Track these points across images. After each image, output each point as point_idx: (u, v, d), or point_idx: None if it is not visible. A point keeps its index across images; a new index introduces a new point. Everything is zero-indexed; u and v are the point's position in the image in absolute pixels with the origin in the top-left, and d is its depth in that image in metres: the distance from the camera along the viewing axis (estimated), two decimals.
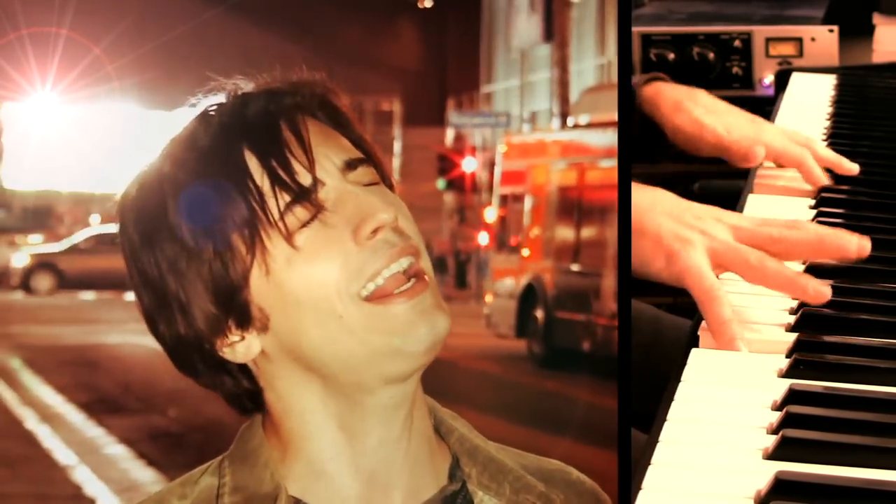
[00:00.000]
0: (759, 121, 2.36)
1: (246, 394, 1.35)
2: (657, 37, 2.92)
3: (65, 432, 11.79)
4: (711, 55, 2.94)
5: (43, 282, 28.98)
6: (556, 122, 24.32)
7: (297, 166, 1.30)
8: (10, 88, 33.27)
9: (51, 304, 26.94)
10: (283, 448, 1.34)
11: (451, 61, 37.74)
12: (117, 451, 10.96)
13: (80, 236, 30.51)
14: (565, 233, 16.88)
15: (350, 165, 1.32)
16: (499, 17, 35.56)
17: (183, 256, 1.30)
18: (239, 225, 1.29)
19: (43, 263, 29.38)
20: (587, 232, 16.28)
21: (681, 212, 1.74)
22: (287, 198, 1.29)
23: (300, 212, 1.29)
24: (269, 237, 1.28)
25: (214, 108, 1.34)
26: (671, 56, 2.92)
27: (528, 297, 17.19)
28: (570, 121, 21.62)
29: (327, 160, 1.31)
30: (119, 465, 10.45)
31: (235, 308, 1.30)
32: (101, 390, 14.25)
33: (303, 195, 1.29)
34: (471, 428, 1.42)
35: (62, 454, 10.82)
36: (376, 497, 1.33)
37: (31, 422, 12.31)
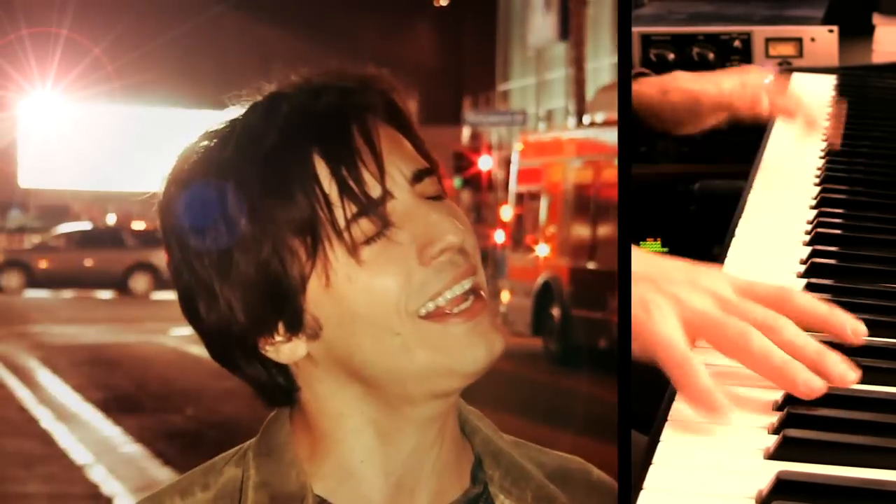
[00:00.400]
0: (744, 68, 2.36)
1: (279, 389, 1.33)
2: (657, 37, 2.91)
3: (81, 431, 11.80)
4: (711, 55, 2.92)
5: (12, 280, 28.88)
6: (571, 121, 24.31)
7: (367, 177, 1.26)
8: (10, 89, 33.31)
9: (66, 302, 27.01)
10: (313, 446, 1.33)
11: (468, 60, 37.73)
12: (134, 450, 10.96)
13: (49, 234, 30.55)
14: (581, 231, 16.86)
15: (417, 177, 1.30)
16: (515, 15, 35.53)
17: (238, 250, 1.27)
18: (302, 230, 1.25)
19: (12, 261, 29.26)
20: (603, 230, 16.26)
21: (655, 276, 1.51)
22: (354, 209, 1.25)
23: (366, 224, 1.26)
24: (333, 248, 1.25)
25: (283, 98, 1.30)
26: (671, 56, 2.90)
27: (545, 295, 17.17)
28: (585, 119, 21.59)
29: (397, 171, 1.28)
30: (136, 464, 10.45)
31: (288, 312, 1.28)
32: (117, 389, 14.27)
33: (371, 208, 1.26)
34: (495, 429, 1.41)
35: (78, 453, 10.82)
36: (402, 500, 1.32)
37: (48, 421, 12.33)
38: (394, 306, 1.25)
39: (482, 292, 1.29)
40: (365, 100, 1.30)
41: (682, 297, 1.47)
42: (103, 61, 31.90)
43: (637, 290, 1.47)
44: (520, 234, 18.74)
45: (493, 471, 1.37)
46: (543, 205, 17.94)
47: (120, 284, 29.05)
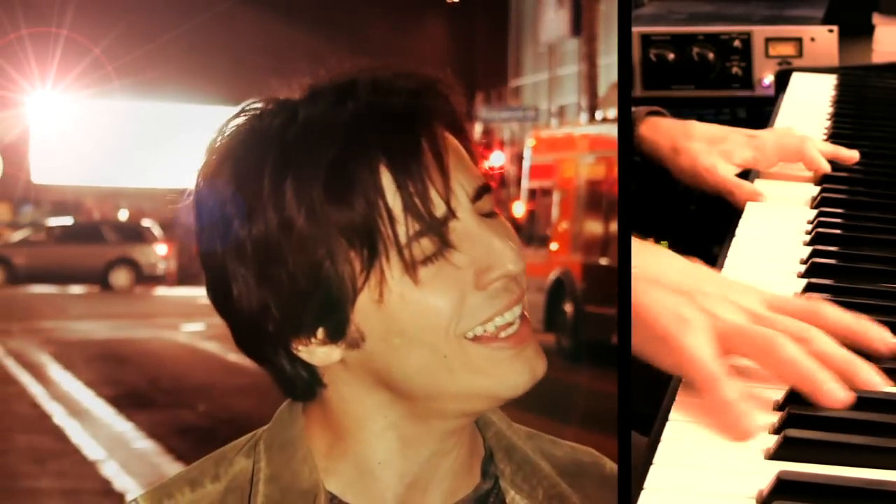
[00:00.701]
0: (756, 135, 2.34)
1: (303, 383, 1.29)
2: (657, 37, 2.90)
3: (94, 427, 11.81)
4: (711, 55, 2.91)
5: None
6: (584, 117, 24.29)
7: (433, 195, 1.22)
8: (21, 85, 33.30)
9: (78, 298, 27.03)
10: (331, 442, 1.31)
11: (479, 56, 37.66)
12: (146, 445, 10.98)
13: (28, 231, 30.52)
14: (594, 226, 16.85)
15: (478, 195, 1.26)
16: (527, 11, 35.46)
17: (289, 247, 1.21)
18: (360, 240, 1.21)
19: None
20: (615, 226, 16.24)
21: (689, 288, 1.50)
22: (417, 227, 1.21)
23: (426, 244, 1.22)
24: (390, 264, 1.21)
25: (350, 92, 1.24)
26: (671, 56, 2.89)
27: (557, 291, 17.15)
28: (598, 115, 21.61)
29: (461, 189, 1.24)
30: (148, 459, 10.45)
31: (332, 321, 1.24)
32: (129, 385, 14.28)
33: (434, 228, 1.22)
34: (509, 422, 1.40)
35: (91, 449, 10.83)
36: (414, 497, 1.32)
37: (60, 417, 12.35)
38: (444, 328, 1.23)
39: (526, 314, 1.28)
40: (433, 105, 1.26)
41: (716, 312, 1.46)
42: (113, 57, 31.92)
43: (670, 302, 1.47)
44: (532, 230, 18.71)
45: (504, 465, 1.37)
46: (556, 201, 17.92)
47: (101, 279, 29.03)
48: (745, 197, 2.21)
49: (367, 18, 36.64)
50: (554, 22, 32.14)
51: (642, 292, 1.48)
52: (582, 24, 26.65)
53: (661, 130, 2.33)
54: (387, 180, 1.21)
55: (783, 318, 1.46)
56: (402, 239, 1.21)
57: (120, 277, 29.01)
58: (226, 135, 1.27)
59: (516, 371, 1.25)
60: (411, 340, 1.23)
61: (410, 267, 1.21)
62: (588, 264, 16.68)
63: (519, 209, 20.72)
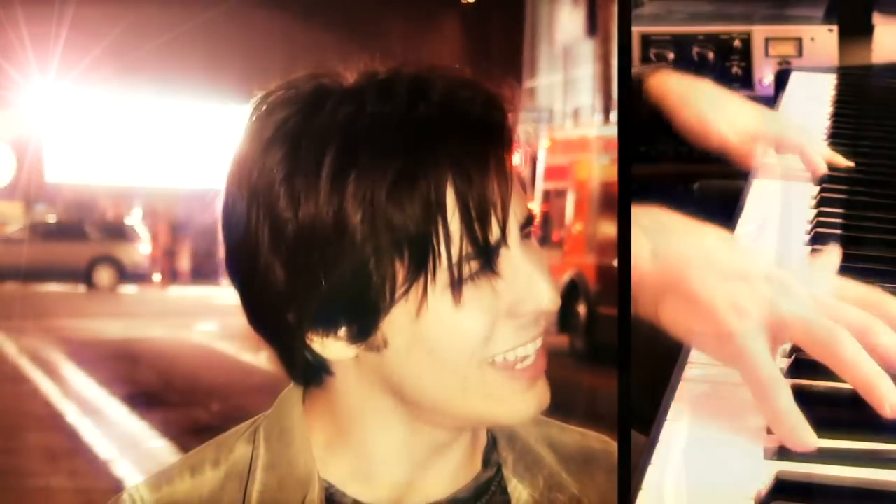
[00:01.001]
0: (763, 111, 2.36)
1: (310, 370, 1.28)
2: (657, 36, 2.91)
3: (106, 426, 11.84)
4: (711, 55, 2.92)
5: None
6: (598, 118, 24.24)
7: (493, 221, 1.20)
8: (28, 82, 33.32)
9: (90, 296, 27.07)
10: (331, 435, 1.31)
11: (494, 56, 37.70)
12: (159, 445, 11.00)
13: (12, 227, 30.53)
14: (608, 228, 16.84)
15: (525, 223, 1.25)
16: (542, 11, 35.46)
17: (337, 238, 1.18)
18: (410, 252, 1.18)
19: None
20: None
21: (745, 272, 1.43)
22: (469, 250, 1.19)
23: (474, 266, 1.20)
24: (434, 282, 1.19)
25: (423, 92, 1.21)
26: (671, 56, 2.90)
27: (571, 292, 17.14)
28: (612, 116, 21.55)
29: (514, 218, 1.22)
30: (160, 459, 10.47)
31: (359, 325, 1.22)
32: (142, 384, 14.31)
33: (485, 255, 1.20)
34: None
35: (104, 448, 10.86)
36: (413, 490, 1.32)
37: (73, 415, 12.38)
38: (471, 351, 1.22)
39: (543, 347, 1.27)
40: (500, 123, 1.23)
41: (775, 300, 1.39)
42: (121, 54, 31.93)
43: (726, 290, 1.41)
44: (546, 231, 18.70)
45: (507, 453, 1.37)
46: (570, 202, 17.92)
47: (84, 278, 29.03)
48: (747, 161, 2.24)
49: (380, 17, 36.64)
50: (569, 23, 32.12)
51: (691, 278, 1.43)
52: (597, 24, 26.60)
53: (671, 84, 2.34)
54: (450, 197, 1.18)
55: (846, 307, 1.39)
56: (454, 259, 1.19)
57: (103, 276, 29.02)
58: (276, 108, 1.23)
59: (526, 401, 1.26)
60: (436, 357, 1.22)
61: (455, 287, 1.20)
62: (602, 266, 16.66)
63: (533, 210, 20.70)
